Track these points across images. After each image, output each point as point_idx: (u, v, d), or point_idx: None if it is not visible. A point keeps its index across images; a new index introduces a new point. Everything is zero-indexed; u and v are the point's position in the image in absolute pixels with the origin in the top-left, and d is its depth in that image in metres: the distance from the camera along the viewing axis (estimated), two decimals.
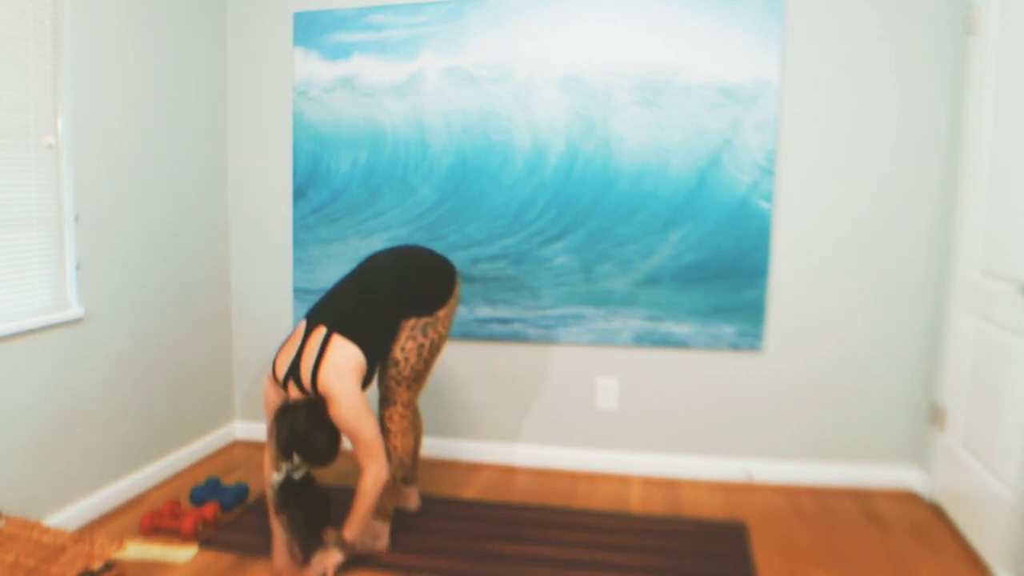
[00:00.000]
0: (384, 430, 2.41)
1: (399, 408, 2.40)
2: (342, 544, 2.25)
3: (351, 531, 2.24)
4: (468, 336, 3.27)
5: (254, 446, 3.50)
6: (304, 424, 2.13)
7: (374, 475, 2.19)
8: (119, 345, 2.81)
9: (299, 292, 3.41)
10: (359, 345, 2.22)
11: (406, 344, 2.36)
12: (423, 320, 2.36)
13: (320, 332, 2.25)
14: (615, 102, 3.04)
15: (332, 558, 2.24)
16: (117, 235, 2.78)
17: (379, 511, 2.43)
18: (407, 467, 2.43)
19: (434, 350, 2.42)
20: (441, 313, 2.41)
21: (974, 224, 2.62)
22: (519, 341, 3.23)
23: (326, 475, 3.11)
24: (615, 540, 2.55)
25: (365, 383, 2.30)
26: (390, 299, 2.36)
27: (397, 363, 2.38)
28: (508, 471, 3.23)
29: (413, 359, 2.37)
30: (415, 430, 2.70)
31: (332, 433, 2.19)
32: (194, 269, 3.24)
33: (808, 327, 3.01)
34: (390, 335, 2.37)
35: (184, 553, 2.42)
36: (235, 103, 3.44)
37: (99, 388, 2.71)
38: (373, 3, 3.22)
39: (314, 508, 2.18)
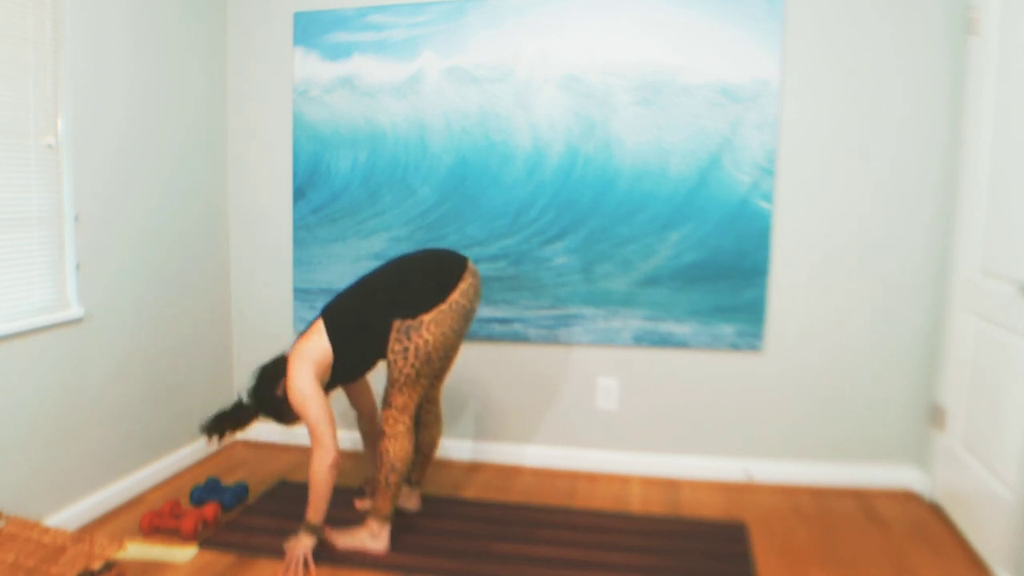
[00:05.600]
0: (379, 431, 2.41)
1: (393, 412, 2.39)
2: (307, 527, 2.36)
3: (311, 513, 2.36)
4: (468, 336, 3.27)
5: (254, 446, 3.50)
6: (263, 367, 2.52)
7: (318, 458, 2.31)
8: (119, 345, 2.81)
9: (299, 292, 3.41)
10: (331, 340, 2.37)
11: (394, 346, 2.35)
12: (406, 323, 2.34)
13: (319, 318, 2.45)
14: (615, 102, 3.04)
15: (303, 544, 2.35)
16: (117, 235, 2.78)
17: (376, 513, 2.43)
18: (401, 472, 2.39)
19: (421, 355, 2.34)
20: (426, 318, 2.33)
21: (974, 224, 2.62)
22: (519, 341, 3.23)
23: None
24: (615, 540, 2.55)
25: (342, 377, 2.45)
26: (382, 300, 2.38)
27: (389, 365, 2.38)
28: (508, 471, 3.22)
29: (400, 363, 2.34)
30: (427, 436, 2.69)
31: (268, 385, 2.47)
32: (194, 269, 3.24)
33: (808, 327, 3.01)
34: (377, 335, 2.37)
35: (184, 553, 2.42)
36: (235, 103, 3.44)
37: (99, 388, 2.71)
38: (373, 3, 3.22)
39: (231, 415, 2.54)
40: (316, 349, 2.36)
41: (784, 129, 2.95)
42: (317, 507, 2.34)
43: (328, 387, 2.46)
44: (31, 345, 2.41)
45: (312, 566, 2.34)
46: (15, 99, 2.34)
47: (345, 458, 3.31)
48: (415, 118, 3.21)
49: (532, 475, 3.18)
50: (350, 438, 3.44)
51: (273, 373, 2.47)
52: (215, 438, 2.53)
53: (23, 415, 2.39)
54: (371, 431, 2.81)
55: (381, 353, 2.42)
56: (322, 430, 2.30)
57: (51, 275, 2.52)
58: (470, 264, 2.47)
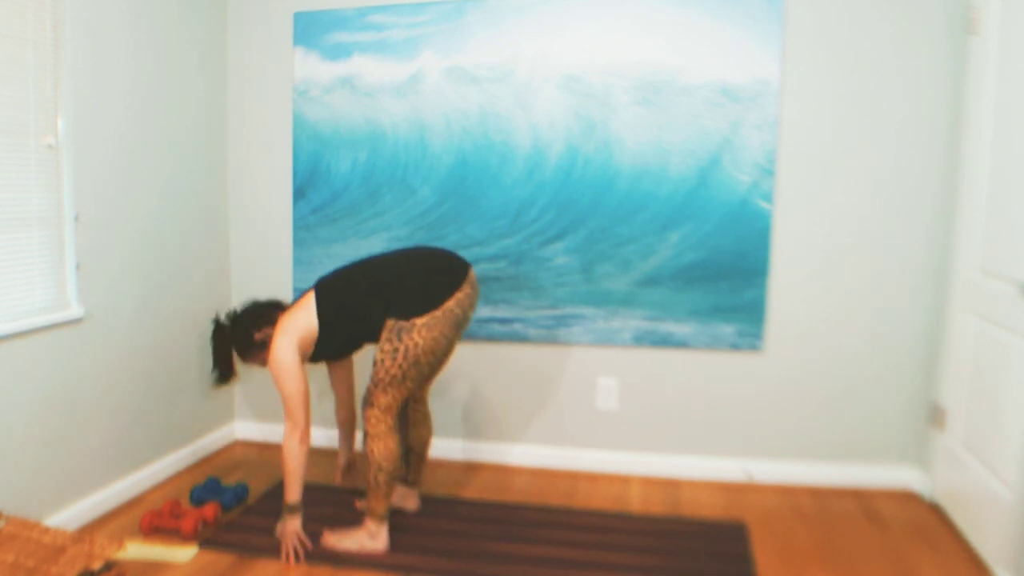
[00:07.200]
0: (363, 431, 2.41)
1: (376, 411, 2.38)
2: (287, 509, 2.44)
3: (287, 494, 2.42)
4: (468, 336, 3.27)
5: (254, 446, 3.50)
6: (256, 304, 2.58)
7: (288, 433, 2.37)
8: (119, 345, 2.81)
9: (299, 292, 3.41)
10: (320, 318, 2.40)
11: (384, 345, 2.34)
12: (399, 323, 2.33)
13: (312, 290, 2.47)
14: (615, 102, 3.04)
15: (290, 526, 2.43)
16: (117, 235, 2.78)
17: (371, 513, 2.43)
18: (388, 470, 2.38)
19: (410, 358, 2.33)
20: (419, 321, 2.32)
21: (974, 224, 2.62)
22: (519, 341, 3.23)
23: (326, 476, 3.11)
24: (615, 540, 2.55)
25: (324, 354, 2.49)
26: (378, 294, 2.37)
27: (375, 363, 2.37)
28: (508, 471, 3.22)
29: (388, 362, 2.33)
30: (418, 435, 2.69)
31: (251, 324, 2.52)
32: (194, 269, 3.24)
33: (808, 327, 3.01)
34: (366, 327, 2.40)
35: (184, 553, 2.42)
36: (235, 103, 3.44)
37: (99, 388, 2.71)
38: (373, 3, 3.22)
39: (220, 341, 2.58)
40: (303, 325, 2.40)
41: (784, 129, 2.95)
42: (291, 485, 2.40)
43: (311, 360, 2.50)
44: (31, 345, 2.41)
45: (307, 542, 2.41)
46: (15, 99, 2.34)
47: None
48: (415, 118, 3.21)
49: (532, 475, 3.18)
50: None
51: (262, 315, 2.53)
52: (225, 376, 2.60)
53: (23, 415, 2.39)
54: (346, 419, 2.82)
55: (367, 339, 2.45)
56: (294, 405, 2.36)
57: (51, 275, 2.52)
58: (471, 274, 2.46)
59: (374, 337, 2.42)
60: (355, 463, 2.86)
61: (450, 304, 2.37)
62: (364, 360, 3.39)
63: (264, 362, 2.56)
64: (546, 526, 2.65)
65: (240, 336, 2.53)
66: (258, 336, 2.51)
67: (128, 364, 2.86)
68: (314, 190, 3.35)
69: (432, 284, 2.37)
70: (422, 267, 2.41)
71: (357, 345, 2.52)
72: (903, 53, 2.84)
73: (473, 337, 3.27)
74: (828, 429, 3.04)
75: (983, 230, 2.55)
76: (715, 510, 2.82)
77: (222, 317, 2.61)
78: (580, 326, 3.16)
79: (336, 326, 2.41)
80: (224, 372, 2.58)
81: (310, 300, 2.42)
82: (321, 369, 3.44)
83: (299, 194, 3.37)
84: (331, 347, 2.47)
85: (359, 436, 3.41)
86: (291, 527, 2.42)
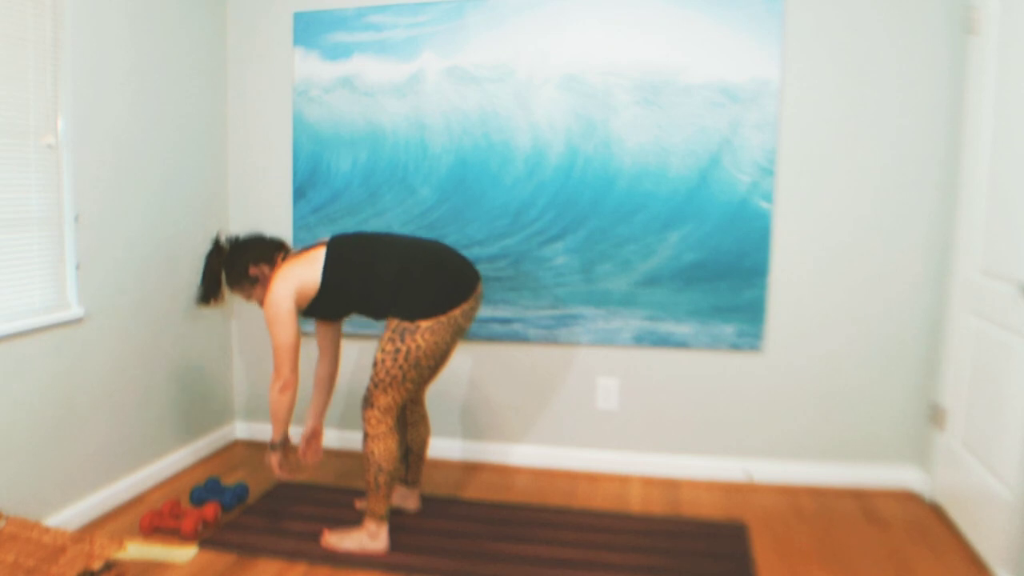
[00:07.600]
0: (363, 432, 2.41)
1: (376, 412, 2.38)
2: (270, 447, 2.55)
3: (273, 434, 2.52)
4: (468, 336, 3.27)
5: (254, 446, 3.50)
6: (260, 239, 2.56)
7: (272, 380, 2.45)
8: (119, 345, 2.81)
9: None
10: (323, 282, 2.40)
11: (385, 345, 2.34)
12: (403, 324, 2.33)
13: (324, 245, 2.47)
14: (615, 102, 3.04)
15: (271, 459, 2.54)
16: (117, 235, 2.78)
17: (371, 513, 2.44)
18: (388, 471, 2.38)
19: (411, 359, 2.33)
20: (424, 324, 2.32)
21: (974, 224, 2.62)
22: (519, 341, 3.23)
23: (326, 476, 3.11)
24: (615, 540, 2.55)
25: (318, 313, 2.51)
26: (388, 285, 2.37)
27: (375, 363, 2.37)
28: (508, 471, 3.22)
29: (388, 363, 2.33)
30: (417, 435, 2.69)
31: (249, 256, 2.51)
32: (194, 269, 3.24)
33: (808, 327, 3.01)
34: (367, 306, 2.42)
35: (184, 553, 2.42)
36: (235, 103, 3.44)
37: (99, 388, 2.71)
38: (373, 3, 3.22)
39: (211, 266, 2.58)
40: (306, 280, 2.40)
41: (784, 129, 2.95)
42: (274, 427, 2.50)
43: (303, 314, 2.51)
44: (31, 345, 2.41)
45: (280, 473, 2.57)
46: (15, 99, 2.34)
47: (347, 460, 3.31)
48: (415, 118, 3.21)
49: (532, 475, 3.18)
50: (353, 437, 3.43)
51: (262, 252, 2.51)
52: (206, 298, 2.60)
53: (23, 415, 2.39)
54: (326, 375, 2.73)
55: (363, 314, 2.47)
56: (282, 356, 2.40)
57: (51, 275, 2.52)
58: (479, 287, 2.47)
59: (372, 315, 2.45)
60: (320, 433, 2.76)
61: (456, 313, 2.38)
62: (363, 357, 3.39)
63: (250, 297, 2.57)
64: (546, 526, 2.65)
65: (235, 263, 2.52)
66: (253, 271, 2.51)
67: (128, 364, 2.86)
68: (314, 190, 3.35)
69: (442, 289, 2.37)
70: (436, 265, 2.40)
71: (349, 314, 2.54)
72: (903, 53, 2.84)
73: (473, 337, 3.27)
74: (828, 429, 3.04)
75: (983, 230, 2.55)
76: (715, 510, 2.82)
77: (223, 239, 2.60)
78: (580, 326, 3.16)
79: (337, 296, 2.43)
80: (207, 294, 2.58)
81: (319, 257, 2.42)
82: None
83: (299, 194, 3.37)
84: (326, 311, 2.50)
85: (357, 436, 3.41)
86: (271, 460, 2.53)
